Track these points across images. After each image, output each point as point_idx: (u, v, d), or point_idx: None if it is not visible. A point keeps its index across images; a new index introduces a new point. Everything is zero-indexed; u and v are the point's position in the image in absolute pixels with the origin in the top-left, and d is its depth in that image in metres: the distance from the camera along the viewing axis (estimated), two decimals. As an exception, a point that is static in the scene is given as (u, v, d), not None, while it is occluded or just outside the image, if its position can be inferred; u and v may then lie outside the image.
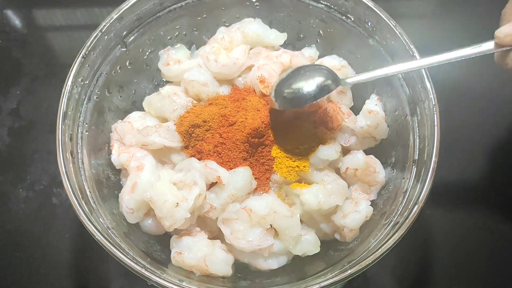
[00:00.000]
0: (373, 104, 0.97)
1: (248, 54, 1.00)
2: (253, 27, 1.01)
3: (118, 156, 0.93)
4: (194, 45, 1.07)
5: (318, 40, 1.06)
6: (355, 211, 0.89)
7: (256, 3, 1.03)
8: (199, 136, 0.90)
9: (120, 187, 0.92)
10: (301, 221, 0.89)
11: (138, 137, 0.91)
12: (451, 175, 1.16)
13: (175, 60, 1.01)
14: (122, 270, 1.04)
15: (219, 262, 0.84)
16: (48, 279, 1.05)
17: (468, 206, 1.14)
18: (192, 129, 0.90)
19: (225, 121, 0.91)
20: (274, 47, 1.04)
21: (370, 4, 0.91)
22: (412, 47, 0.87)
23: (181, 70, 1.00)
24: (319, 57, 1.05)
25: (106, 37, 0.91)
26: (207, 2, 1.01)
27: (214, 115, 0.91)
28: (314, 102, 0.86)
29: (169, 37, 1.04)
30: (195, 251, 0.84)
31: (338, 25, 0.99)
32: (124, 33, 0.95)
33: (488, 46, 0.74)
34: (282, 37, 1.02)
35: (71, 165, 0.82)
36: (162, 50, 1.02)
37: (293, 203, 0.90)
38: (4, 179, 1.15)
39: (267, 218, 0.84)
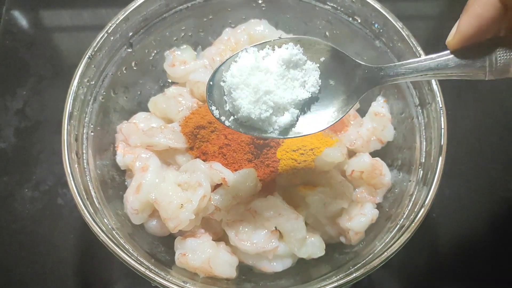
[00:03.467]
0: (379, 106, 0.97)
1: (253, 55, 1.00)
2: (259, 28, 1.01)
3: (123, 157, 0.93)
4: (200, 46, 1.07)
5: (324, 42, 1.06)
6: (361, 214, 0.88)
7: (262, 4, 1.03)
8: (204, 138, 0.90)
9: (125, 188, 0.92)
10: (306, 224, 0.89)
11: (143, 138, 0.91)
12: (457, 178, 1.15)
13: (180, 61, 1.01)
14: (126, 271, 1.03)
15: (224, 264, 0.84)
16: (53, 279, 1.05)
17: (474, 209, 1.13)
18: (197, 130, 0.90)
19: (230, 123, 0.90)
20: (280, 48, 1.04)
21: (377, 5, 0.91)
22: (419, 49, 0.87)
23: (186, 71, 1.00)
24: (325, 58, 1.05)
25: (112, 38, 0.91)
26: (213, 3, 1.01)
27: (219, 116, 0.91)
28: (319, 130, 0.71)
29: (175, 38, 1.04)
30: (199, 253, 0.84)
31: (345, 26, 0.99)
32: (130, 34, 0.95)
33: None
34: (288, 39, 1.02)
35: (76, 165, 0.82)
36: (167, 51, 1.02)
37: (298, 205, 0.90)
38: (10, 179, 1.15)
39: (272, 220, 0.84)
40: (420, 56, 0.86)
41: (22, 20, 1.37)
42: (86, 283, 1.05)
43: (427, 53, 0.86)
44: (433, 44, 1.33)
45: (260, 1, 1.02)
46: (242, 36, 1.01)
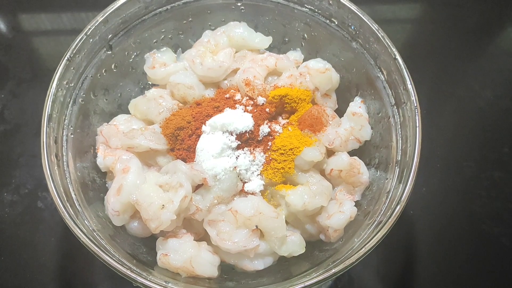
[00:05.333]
0: (357, 107, 0.98)
1: (233, 57, 1.01)
2: (238, 31, 1.02)
3: (103, 158, 0.93)
4: (180, 49, 1.08)
5: (303, 44, 1.07)
6: (340, 212, 0.90)
7: (241, 7, 1.04)
8: (184, 138, 0.90)
9: (105, 190, 0.92)
10: (287, 222, 0.90)
11: (124, 139, 0.91)
12: (434, 176, 1.18)
13: (161, 63, 1.02)
14: (108, 273, 1.03)
15: (205, 263, 0.84)
16: (34, 283, 1.05)
17: (450, 205, 1.16)
18: (178, 132, 0.91)
19: (210, 124, 0.91)
20: (259, 50, 1.05)
21: (353, 8, 0.93)
22: (394, 49, 0.88)
23: (167, 73, 1.00)
24: (304, 60, 1.06)
25: (91, 40, 0.92)
26: (193, 6, 1.02)
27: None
28: None
29: (154, 41, 1.04)
30: (181, 253, 0.84)
31: (322, 28, 1.00)
32: (110, 36, 0.95)
33: None
34: (267, 41, 1.03)
35: (56, 168, 0.82)
36: (147, 53, 1.03)
37: (279, 205, 0.91)
38: (-11, 183, 1.14)
39: (252, 219, 0.84)
40: (395, 57, 0.88)
41: (0, 24, 1.36)
42: (68, 285, 1.05)
43: (401, 54, 0.88)
44: (410, 46, 1.37)
45: (239, 4, 1.03)
46: (221, 38, 1.02)
